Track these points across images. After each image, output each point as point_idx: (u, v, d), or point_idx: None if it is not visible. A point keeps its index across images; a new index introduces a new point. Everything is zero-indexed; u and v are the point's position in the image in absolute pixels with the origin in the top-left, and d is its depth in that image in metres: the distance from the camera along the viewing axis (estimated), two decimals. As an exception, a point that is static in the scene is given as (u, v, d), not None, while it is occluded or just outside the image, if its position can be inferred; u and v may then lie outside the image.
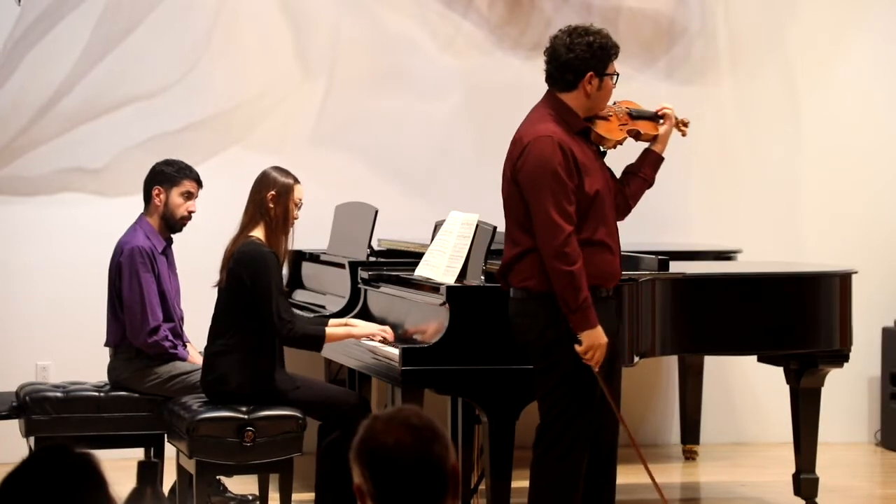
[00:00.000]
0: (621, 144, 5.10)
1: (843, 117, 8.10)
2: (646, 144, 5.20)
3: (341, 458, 5.46)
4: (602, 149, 5.06)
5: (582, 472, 4.92)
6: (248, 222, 5.53)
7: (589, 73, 4.90)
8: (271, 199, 5.51)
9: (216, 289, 5.57)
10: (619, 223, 5.07)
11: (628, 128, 5.11)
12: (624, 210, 5.14)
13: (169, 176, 6.08)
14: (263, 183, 5.56)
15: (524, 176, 4.84)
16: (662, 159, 5.17)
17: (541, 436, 4.92)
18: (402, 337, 5.63)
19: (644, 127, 5.16)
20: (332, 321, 5.67)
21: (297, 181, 5.57)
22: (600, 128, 5.01)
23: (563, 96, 4.94)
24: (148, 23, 7.43)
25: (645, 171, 5.13)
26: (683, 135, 5.29)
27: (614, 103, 5.13)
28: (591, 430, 4.90)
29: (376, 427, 2.46)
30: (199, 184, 6.14)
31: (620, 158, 5.22)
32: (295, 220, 5.57)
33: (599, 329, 4.80)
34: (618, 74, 4.98)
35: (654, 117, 5.19)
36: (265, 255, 5.43)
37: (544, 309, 4.86)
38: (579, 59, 4.89)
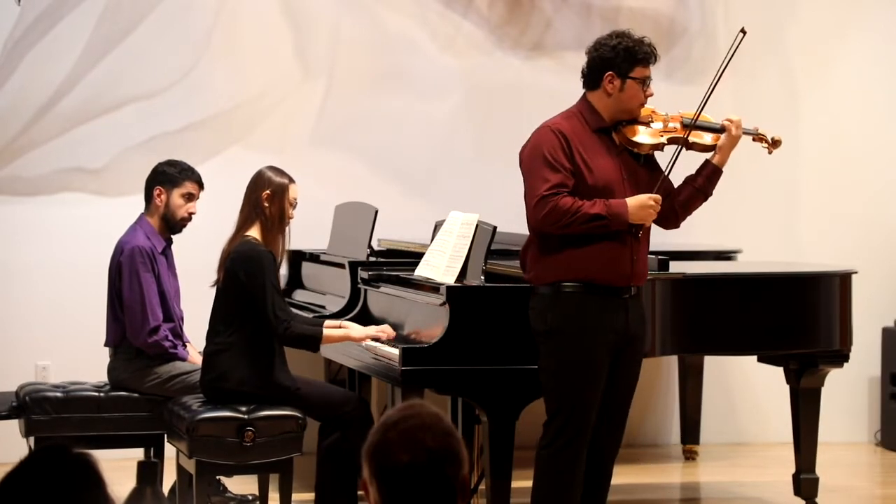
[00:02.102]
0: (660, 150, 5.06)
1: (843, 117, 8.10)
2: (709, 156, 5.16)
3: (341, 459, 5.46)
4: (637, 152, 5.04)
5: (582, 465, 4.94)
6: (244, 222, 5.53)
7: (608, 73, 4.93)
8: (266, 199, 5.50)
9: (214, 288, 5.58)
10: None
11: (673, 135, 5.06)
12: (672, 218, 5.12)
13: (171, 176, 6.08)
14: (258, 183, 5.55)
15: (521, 164, 4.97)
16: (720, 171, 5.11)
17: (545, 429, 4.98)
18: (402, 337, 5.63)
19: (697, 137, 5.08)
20: (327, 322, 5.66)
21: (292, 181, 5.56)
22: (631, 131, 5.00)
23: (589, 95, 5.01)
24: (148, 23, 7.43)
25: (698, 181, 5.09)
26: (769, 152, 5.27)
27: (678, 113, 5.10)
28: (591, 424, 4.91)
29: (392, 438, 2.42)
30: (201, 185, 6.13)
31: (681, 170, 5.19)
32: (290, 220, 5.56)
33: (631, 204, 4.87)
34: (645, 80, 4.96)
35: (715, 129, 5.13)
36: (261, 254, 5.42)
37: (541, 302, 4.93)
38: (601, 59, 4.96)
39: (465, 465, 2.45)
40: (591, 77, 4.99)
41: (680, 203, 5.10)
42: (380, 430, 2.44)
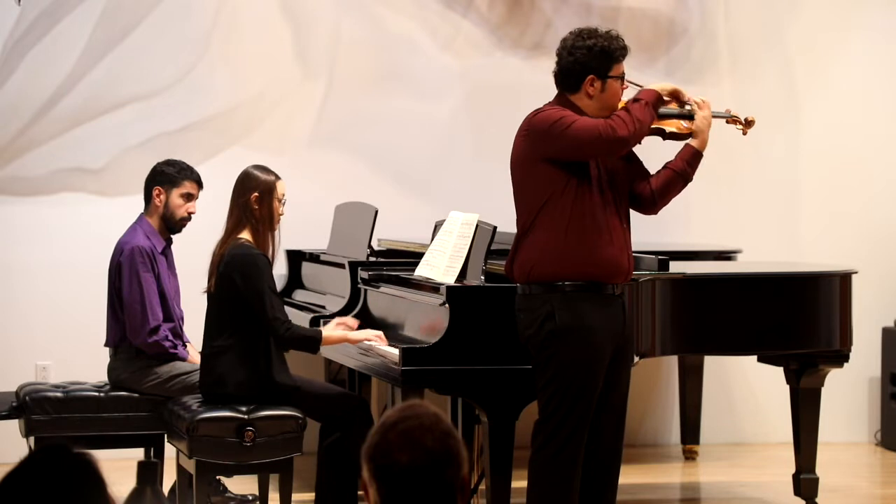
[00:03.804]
0: (639, 143, 5.06)
1: (843, 117, 8.10)
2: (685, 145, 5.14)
3: (342, 459, 5.46)
4: None
5: (578, 467, 4.91)
6: (235, 226, 5.49)
7: (589, 77, 4.91)
8: (255, 201, 5.48)
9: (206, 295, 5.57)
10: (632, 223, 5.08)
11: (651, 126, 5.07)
12: (649, 202, 5.08)
13: (170, 176, 6.08)
14: (245, 185, 5.51)
15: (533, 134, 4.89)
16: (699, 154, 5.06)
17: (538, 431, 4.93)
18: (402, 337, 5.63)
19: (671, 125, 5.06)
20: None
21: (278, 177, 5.55)
22: None
23: (569, 97, 4.97)
24: (148, 23, 7.43)
25: (675, 163, 5.06)
26: (744, 133, 5.20)
27: None
28: (587, 425, 4.90)
29: (391, 439, 2.42)
30: (200, 185, 6.13)
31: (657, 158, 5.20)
32: (281, 217, 5.55)
33: (652, 90, 4.97)
34: (623, 76, 4.97)
35: (685, 116, 5.10)
36: (256, 257, 5.41)
37: (542, 301, 4.88)
38: (579, 63, 4.91)
39: (465, 466, 2.45)
40: (571, 81, 4.94)
41: (659, 188, 5.06)
42: (379, 431, 2.44)
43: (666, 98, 5.04)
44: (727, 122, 5.20)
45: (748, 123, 5.19)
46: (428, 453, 2.41)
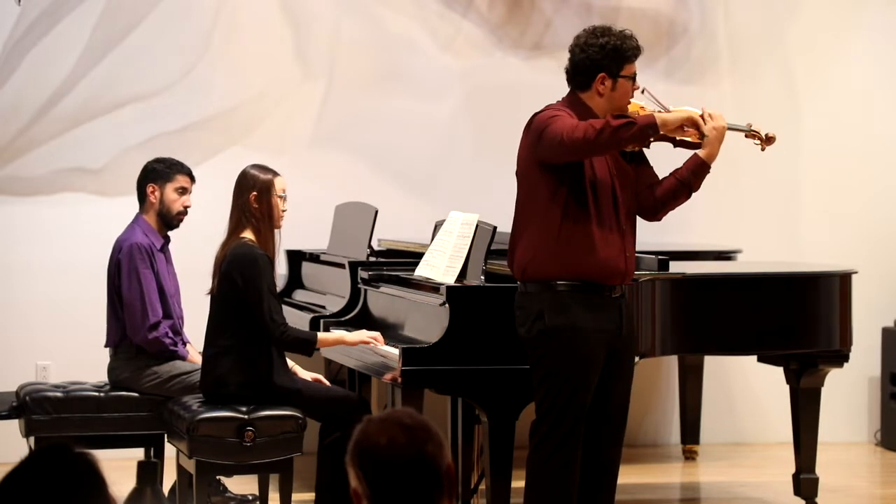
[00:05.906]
0: (647, 147, 5.02)
1: (843, 117, 8.11)
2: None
3: (341, 459, 5.46)
4: (626, 150, 5.00)
5: (576, 466, 4.90)
6: (236, 227, 5.50)
7: (600, 75, 4.89)
8: (254, 200, 5.49)
9: (209, 297, 5.57)
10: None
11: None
12: (651, 209, 5.04)
13: (161, 173, 6.08)
14: (244, 184, 5.52)
15: (531, 134, 4.87)
16: (706, 165, 4.94)
17: (534, 431, 4.92)
18: (402, 337, 5.63)
19: (681, 133, 4.96)
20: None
21: (276, 174, 5.55)
22: None
23: (580, 95, 4.96)
24: (148, 23, 7.43)
25: (680, 171, 4.98)
26: (762, 149, 5.08)
27: (661, 108, 4.99)
28: (582, 424, 4.88)
29: (370, 429, 2.47)
30: (192, 178, 6.13)
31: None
32: (283, 213, 5.54)
33: (662, 115, 4.85)
34: (635, 76, 4.95)
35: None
36: (257, 257, 5.41)
37: (535, 300, 4.88)
38: (590, 60, 4.89)
39: (447, 450, 2.48)
40: (581, 78, 4.92)
41: (662, 196, 5.00)
42: (358, 430, 2.49)
43: (688, 129, 4.96)
44: (746, 136, 5.07)
45: (768, 140, 5.03)
46: (405, 429, 2.45)
